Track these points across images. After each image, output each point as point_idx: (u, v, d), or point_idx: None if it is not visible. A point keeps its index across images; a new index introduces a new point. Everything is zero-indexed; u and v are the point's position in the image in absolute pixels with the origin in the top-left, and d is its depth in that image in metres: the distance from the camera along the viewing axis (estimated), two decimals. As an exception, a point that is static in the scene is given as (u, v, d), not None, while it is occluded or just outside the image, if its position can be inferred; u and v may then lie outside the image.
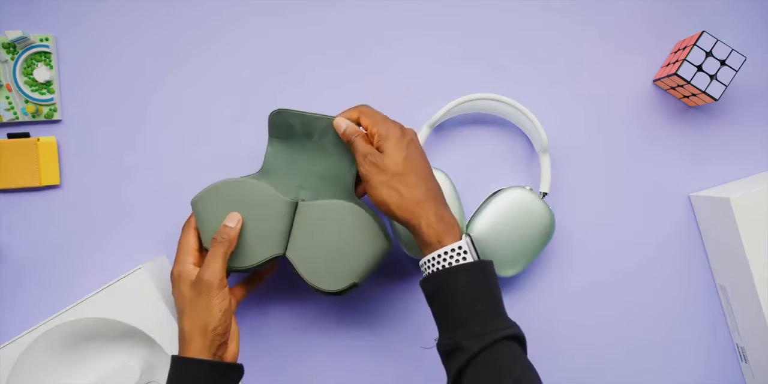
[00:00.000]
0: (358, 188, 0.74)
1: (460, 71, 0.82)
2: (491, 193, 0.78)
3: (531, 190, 0.77)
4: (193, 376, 0.66)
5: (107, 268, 0.80)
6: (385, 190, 0.65)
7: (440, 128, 0.82)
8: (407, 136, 0.67)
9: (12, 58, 0.79)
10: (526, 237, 0.76)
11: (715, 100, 0.77)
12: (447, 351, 0.62)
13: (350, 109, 0.71)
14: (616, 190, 0.82)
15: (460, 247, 0.62)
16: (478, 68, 0.82)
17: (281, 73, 0.82)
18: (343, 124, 0.69)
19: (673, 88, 0.80)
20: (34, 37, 0.79)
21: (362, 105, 0.71)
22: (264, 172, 0.74)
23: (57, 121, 0.81)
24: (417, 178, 0.65)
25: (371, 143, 0.68)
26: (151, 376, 0.78)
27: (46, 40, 0.79)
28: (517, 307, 0.81)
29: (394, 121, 0.69)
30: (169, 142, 0.81)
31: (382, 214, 0.74)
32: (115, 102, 0.81)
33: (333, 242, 0.70)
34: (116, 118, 0.81)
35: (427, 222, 0.63)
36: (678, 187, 0.82)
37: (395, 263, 0.81)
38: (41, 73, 0.79)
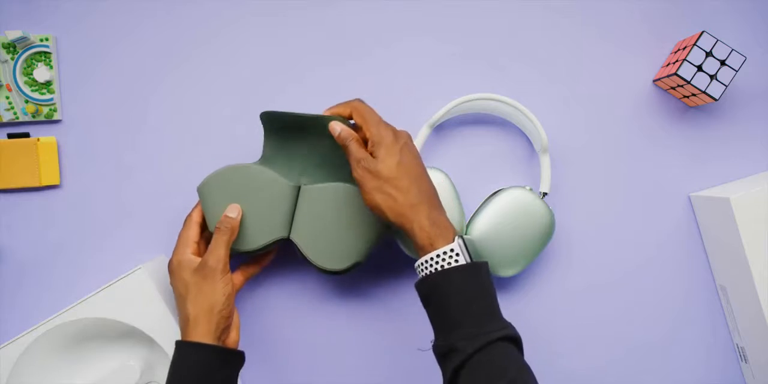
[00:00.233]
0: None
1: (460, 71, 0.82)
2: (491, 193, 0.78)
3: (531, 190, 0.77)
4: (197, 359, 0.67)
5: (107, 268, 0.80)
6: (378, 195, 0.65)
7: (440, 128, 0.82)
8: (400, 140, 0.67)
9: (12, 58, 0.79)
10: (526, 237, 0.76)
11: (715, 100, 0.77)
12: (442, 353, 0.62)
13: (342, 105, 0.71)
14: (616, 190, 0.82)
15: (452, 250, 0.62)
16: (478, 68, 0.82)
17: (281, 73, 0.82)
18: (338, 128, 0.69)
19: (673, 88, 0.80)
20: (34, 37, 0.79)
21: (355, 100, 0.71)
22: (265, 160, 0.75)
23: (57, 121, 0.81)
24: (410, 182, 0.65)
25: (365, 147, 0.68)
26: (151, 376, 0.78)
27: (46, 40, 0.79)
28: (516, 307, 0.81)
29: (386, 125, 0.68)
30: (169, 142, 0.81)
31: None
32: (115, 102, 0.81)
33: (335, 223, 0.72)
34: (116, 118, 0.81)
35: (420, 225, 0.63)
36: (678, 187, 0.82)
37: (395, 265, 0.81)
38: (41, 73, 0.79)
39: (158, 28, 0.81)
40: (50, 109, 0.80)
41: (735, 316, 0.79)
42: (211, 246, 0.70)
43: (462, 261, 0.62)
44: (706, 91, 0.76)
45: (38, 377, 0.75)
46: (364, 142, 0.69)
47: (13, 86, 0.79)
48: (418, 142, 0.78)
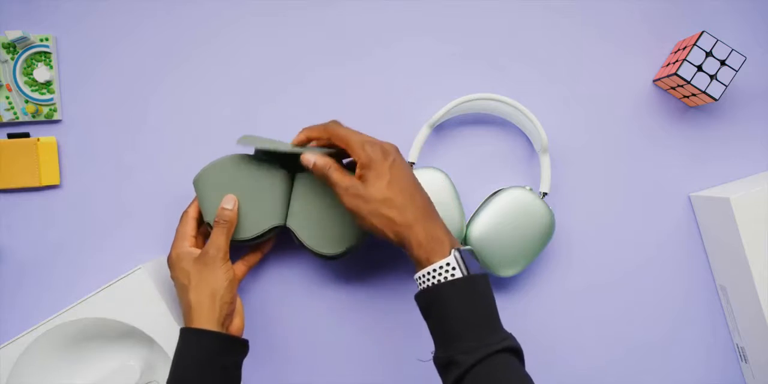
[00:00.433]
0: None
1: (460, 71, 0.82)
2: (491, 193, 0.78)
3: (531, 190, 0.77)
4: (199, 346, 0.68)
5: (107, 268, 0.80)
6: (375, 219, 0.64)
7: (440, 128, 0.82)
8: (389, 157, 0.66)
9: (12, 58, 0.79)
10: (526, 237, 0.76)
11: (715, 100, 0.77)
12: (442, 364, 0.62)
13: (318, 129, 0.69)
14: (616, 190, 0.82)
15: (447, 264, 0.62)
16: (478, 68, 0.82)
17: (281, 73, 0.82)
18: (311, 159, 0.68)
19: (673, 88, 0.80)
20: (34, 37, 0.79)
21: (331, 122, 0.69)
22: (259, 153, 0.76)
23: (57, 121, 0.81)
24: (404, 200, 0.64)
25: (345, 171, 0.67)
26: (151, 376, 0.78)
27: (46, 40, 0.79)
28: (516, 307, 0.81)
29: (371, 142, 0.66)
30: (169, 142, 0.81)
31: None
32: (115, 102, 0.81)
33: (329, 209, 0.74)
34: (116, 118, 0.81)
35: (417, 242, 0.63)
36: (678, 187, 0.82)
37: (400, 254, 0.81)
38: (41, 73, 0.79)
39: (158, 28, 0.81)
40: (50, 109, 0.80)
41: (735, 316, 0.79)
42: (211, 237, 0.72)
43: (458, 274, 0.62)
44: (706, 91, 0.76)
45: (38, 377, 0.75)
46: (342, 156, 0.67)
47: (13, 86, 0.79)
48: (418, 142, 0.78)
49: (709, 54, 0.76)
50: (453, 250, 0.63)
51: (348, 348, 0.81)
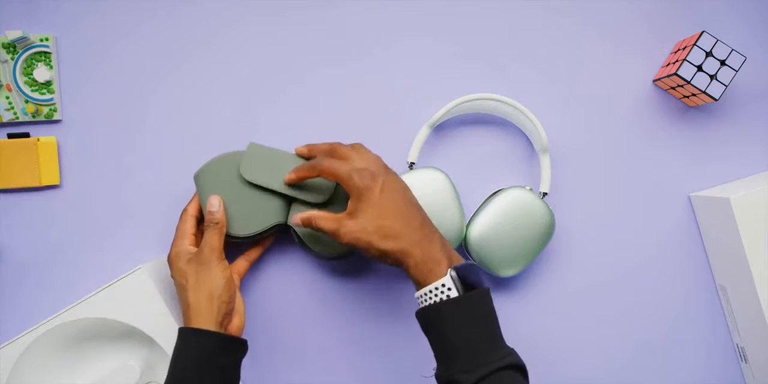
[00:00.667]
0: None
1: (460, 71, 0.82)
2: (491, 193, 0.78)
3: (531, 190, 0.77)
4: (197, 345, 0.68)
5: (107, 268, 0.80)
6: (375, 251, 0.65)
7: (440, 128, 0.82)
8: (377, 181, 0.66)
9: (12, 58, 0.79)
10: (526, 237, 0.76)
11: (715, 100, 0.77)
12: (444, 382, 0.62)
13: (307, 169, 0.70)
14: (616, 190, 0.82)
15: (443, 285, 0.62)
16: (478, 68, 0.82)
17: (281, 73, 0.82)
18: (296, 218, 0.70)
19: (673, 88, 0.80)
20: (34, 37, 0.79)
21: (317, 160, 0.70)
22: None
23: (57, 121, 0.81)
24: (400, 225, 0.64)
25: (331, 215, 0.67)
26: (151, 376, 0.78)
27: (46, 40, 0.79)
28: (516, 307, 0.81)
29: (358, 170, 0.66)
30: (169, 142, 0.81)
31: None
32: (115, 102, 0.81)
33: (330, 208, 0.74)
34: (116, 118, 0.81)
35: (414, 263, 0.64)
36: (678, 187, 0.82)
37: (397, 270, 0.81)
38: (41, 73, 0.79)
39: (158, 28, 0.81)
40: (50, 109, 0.80)
41: (735, 316, 0.79)
42: (204, 237, 0.72)
43: (454, 293, 0.62)
44: (706, 91, 0.76)
45: (38, 377, 0.75)
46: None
47: (13, 86, 0.79)
48: (418, 142, 0.78)
49: (709, 54, 0.76)
50: (449, 270, 0.63)
51: (348, 348, 0.81)
